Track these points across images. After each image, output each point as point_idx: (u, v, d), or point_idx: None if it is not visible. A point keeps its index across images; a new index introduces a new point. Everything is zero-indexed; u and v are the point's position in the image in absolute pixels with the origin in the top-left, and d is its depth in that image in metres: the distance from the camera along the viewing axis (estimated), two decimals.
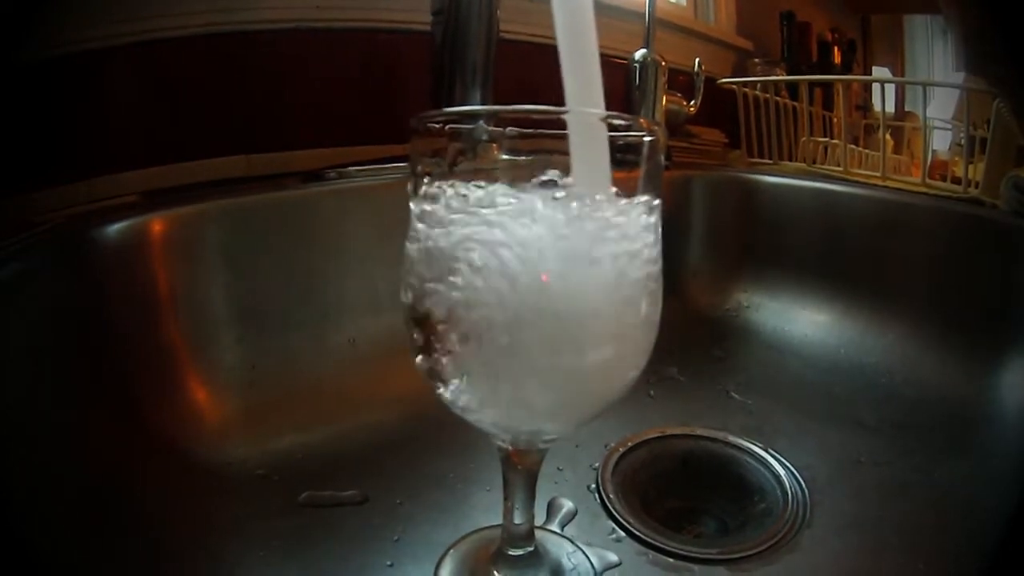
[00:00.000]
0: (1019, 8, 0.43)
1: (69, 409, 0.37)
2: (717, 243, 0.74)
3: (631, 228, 0.25)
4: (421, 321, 0.26)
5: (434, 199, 0.25)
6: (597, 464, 0.45)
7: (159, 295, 0.45)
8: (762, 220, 0.71)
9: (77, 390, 0.38)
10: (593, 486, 0.43)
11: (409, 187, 0.27)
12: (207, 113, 0.56)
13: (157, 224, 0.45)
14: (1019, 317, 0.51)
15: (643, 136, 0.25)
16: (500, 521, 0.34)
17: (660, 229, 0.27)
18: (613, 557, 0.37)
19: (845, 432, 0.50)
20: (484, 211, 0.24)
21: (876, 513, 0.41)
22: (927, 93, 0.71)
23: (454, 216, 0.24)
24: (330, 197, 0.54)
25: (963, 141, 0.67)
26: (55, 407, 0.36)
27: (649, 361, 0.28)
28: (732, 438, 0.48)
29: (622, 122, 0.25)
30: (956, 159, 0.69)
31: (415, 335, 0.26)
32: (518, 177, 0.24)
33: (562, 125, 0.23)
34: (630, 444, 0.47)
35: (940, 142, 0.72)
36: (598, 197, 0.24)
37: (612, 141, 0.24)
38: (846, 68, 0.86)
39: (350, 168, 0.58)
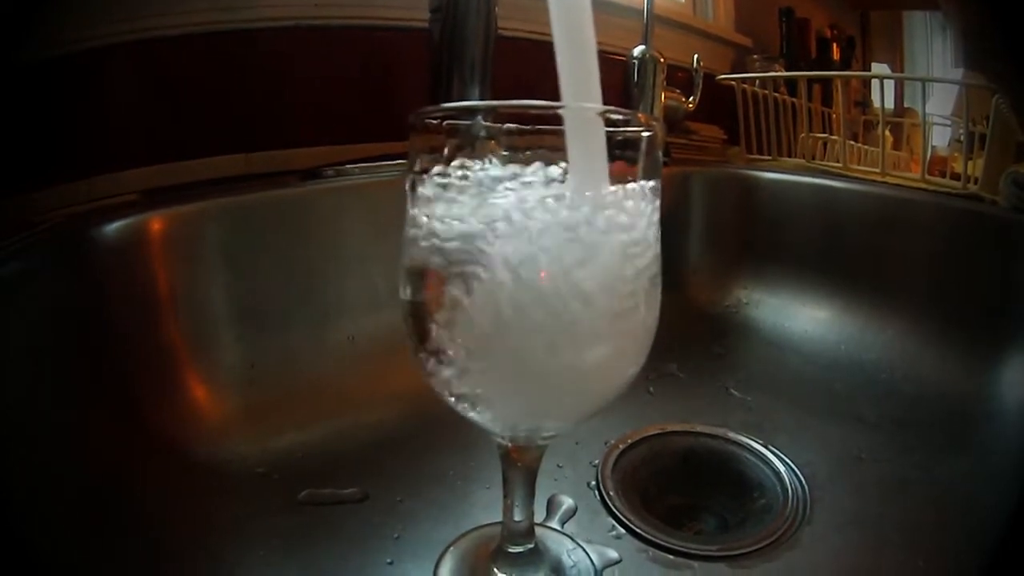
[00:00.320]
0: (1018, 4, 0.43)
1: (69, 409, 0.37)
2: (716, 240, 0.73)
3: (630, 221, 0.25)
4: (420, 318, 0.26)
5: (432, 193, 0.25)
6: (597, 461, 0.45)
7: (159, 294, 0.45)
8: (761, 216, 0.71)
9: (77, 390, 0.38)
10: (593, 483, 0.43)
11: (407, 183, 0.27)
12: (207, 112, 0.56)
13: (157, 223, 0.45)
14: (1019, 313, 0.51)
15: (641, 131, 0.25)
16: (500, 518, 0.34)
17: (659, 224, 0.27)
18: (613, 554, 0.37)
19: (845, 429, 0.50)
20: (483, 207, 0.23)
21: (876, 510, 0.41)
22: (926, 89, 0.71)
23: (452, 210, 0.24)
24: (329, 195, 0.54)
25: (962, 137, 0.67)
26: (55, 407, 0.36)
27: (649, 358, 0.28)
28: (732, 435, 0.48)
29: (620, 117, 0.25)
30: (955, 155, 0.68)
31: (414, 332, 0.26)
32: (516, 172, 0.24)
33: (560, 120, 0.23)
34: (630, 441, 0.47)
35: (939, 138, 0.72)
36: (597, 190, 0.24)
37: (610, 136, 0.24)
38: (845, 64, 0.86)
39: (349, 166, 0.58)
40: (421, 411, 0.45)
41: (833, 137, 0.80)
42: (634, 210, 0.25)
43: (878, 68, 0.83)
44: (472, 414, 0.27)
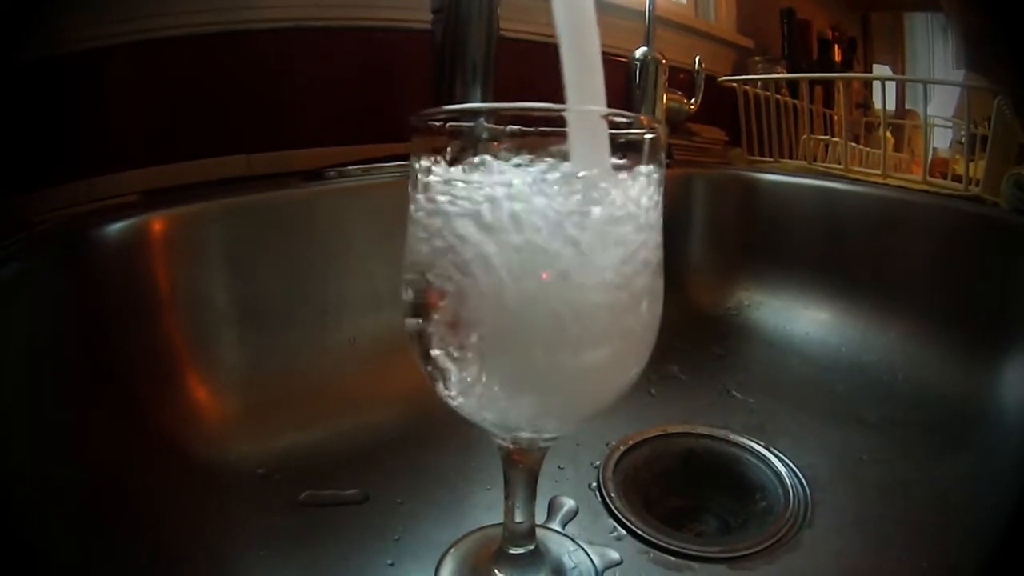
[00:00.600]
0: (1019, 6, 0.43)
1: (69, 409, 0.37)
2: (718, 241, 0.73)
3: (634, 210, 0.25)
4: (421, 318, 0.26)
5: (434, 192, 0.25)
6: (598, 462, 0.45)
7: (159, 295, 0.45)
8: (763, 218, 0.71)
9: (77, 390, 0.38)
10: (594, 484, 0.43)
11: (409, 185, 0.27)
12: (207, 113, 0.56)
13: (157, 223, 0.45)
14: (1020, 315, 0.51)
15: (644, 134, 0.25)
16: (501, 520, 0.34)
17: (661, 222, 0.27)
18: (614, 555, 0.37)
19: (846, 430, 0.50)
20: (483, 203, 0.23)
21: (878, 511, 0.41)
22: (928, 91, 0.71)
23: (453, 209, 0.24)
24: (330, 196, 0.54)
25: (964, 139, 0.67)
26: (55, 407, 0.36)
27: (650, 359, 0.28)
28: (733, 436, 0.48)
29: (623, 120, 0.25)
30: (957, 157, 0.68)
31: (416, 333, 0.26)
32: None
33: (563, 123, 0.23)
34: (631, 442, 0.47)
35: (941, 140, 0.72)
36: (601, 184, 0.24)
37: (613, 139, 0.23)
38: (846, 66, 0.86)
39: (350, 167, 0.58)
40: (422, 412, 0.45)
41: (834, 139, 0.80)
42: (637, 198, 0.25)
43: (879, 70, 0.83)
44: (474, 416, 0.27)
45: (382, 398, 0.50)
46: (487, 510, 0.40)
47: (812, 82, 0.83)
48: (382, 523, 0.38)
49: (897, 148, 0.76)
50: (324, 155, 0.61)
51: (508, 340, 0.24)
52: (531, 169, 0.23)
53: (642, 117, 0.26)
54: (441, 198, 0.25)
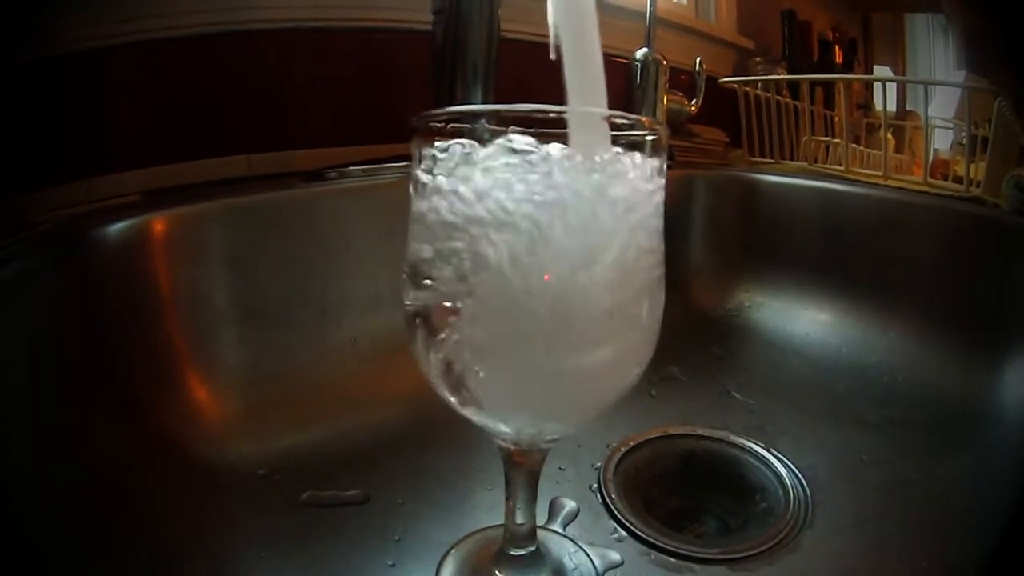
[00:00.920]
0: (1020, 7, 0.43)
1: (69, 409, 0.37)
2: (718, 242, 0.73)
3: (635, 199, 0.25)
4: (422, 318, 0.26)
5: (434, 193, 0.25)
6: (599, 464, 0.45)
7: (160, 295, 0.45)
8: (763, 219, 0.71)
9: (77, 390, 0.38)
10: (595, 486, 0.43)
11: (410, 187, 0.27)
12: (207, 113, 0.56)
13: (158, 224, 0.45)
14: (1020, 316, 0.51)
15: (646, 135, 0.25)
16: (502, 521, 0.34)
17: (663, 224, 0.27)
18: (615, 557, 0.36)
19: (847, 431, 0.50)
20: (483, 204, 0.23)
21: (878, 512, 0.41)
22: (928, 92, 0.71)
23: (453, 209, 0.24)
24: (331, 197, 0.54)
25: (965, 140, 0.67)
26: (55, 407, 0.36)
27: (651, 361, 0.28)
28: (734, 437, 0.48)
29: (625, 121, 0.25)
30: (958, 158, 0.68)
31: (416, 333, 0.26)
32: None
33: (564, 124, 0.23)
34: (632, 444, 0.47)
35: (941, 141, 0.72)
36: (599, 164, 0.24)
37: (615, 141, 0.23)
38: (847, 67, 0.86)
39: (351, 168, 0.58)
40: (423, 413, 0.45)
41: (835, 140, 0.80)
42: (637, 189, 0.25)
43: (880, 71, 0.83)
44: (475, 417, 0.27)
45: (382, 398, 0.50)
46: (488, 511, 0.40)
47: (813, 83, 0.83)
48: (383, 524, 0.38)
49: (898, 149, 0.76)
50: (324, 155, 0.61)
51: (509, 340, 0.24)
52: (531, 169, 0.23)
53: (644, 118, 0.26)
54: (441, 199, 0.25)
